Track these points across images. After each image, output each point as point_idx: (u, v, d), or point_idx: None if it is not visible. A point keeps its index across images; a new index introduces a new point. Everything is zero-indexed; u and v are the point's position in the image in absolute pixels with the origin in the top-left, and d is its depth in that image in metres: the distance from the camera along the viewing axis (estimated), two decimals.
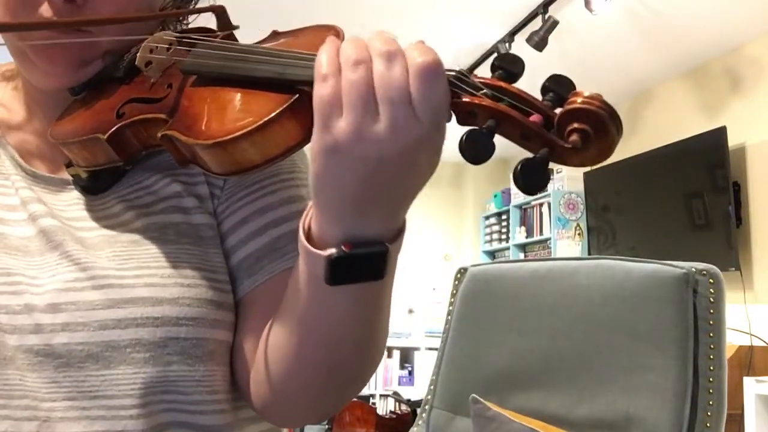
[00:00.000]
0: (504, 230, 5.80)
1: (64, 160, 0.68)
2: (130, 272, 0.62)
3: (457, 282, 1.61)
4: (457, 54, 4.12)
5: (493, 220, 5.97)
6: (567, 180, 5.07)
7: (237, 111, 0.56)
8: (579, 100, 0.47)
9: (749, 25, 3.61)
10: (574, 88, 0.48)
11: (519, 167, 0.47)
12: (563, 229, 5.02)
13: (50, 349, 0.60)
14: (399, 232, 0.52)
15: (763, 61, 3.70)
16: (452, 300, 1.61)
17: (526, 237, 5.46)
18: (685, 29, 3.67)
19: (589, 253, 4.79)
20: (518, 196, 5.58)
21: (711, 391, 1.20)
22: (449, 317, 1.59)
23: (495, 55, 0.54)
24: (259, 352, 0.65)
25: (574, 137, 0.47)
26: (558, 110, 0.48)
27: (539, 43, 3.39)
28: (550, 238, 5.09)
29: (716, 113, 3.93)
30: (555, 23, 3.36)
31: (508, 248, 5.67)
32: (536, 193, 0.48)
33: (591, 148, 0.47)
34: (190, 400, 0.63)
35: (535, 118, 0.48)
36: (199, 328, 0.63)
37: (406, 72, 0.46)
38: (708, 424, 1.18)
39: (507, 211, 5.72)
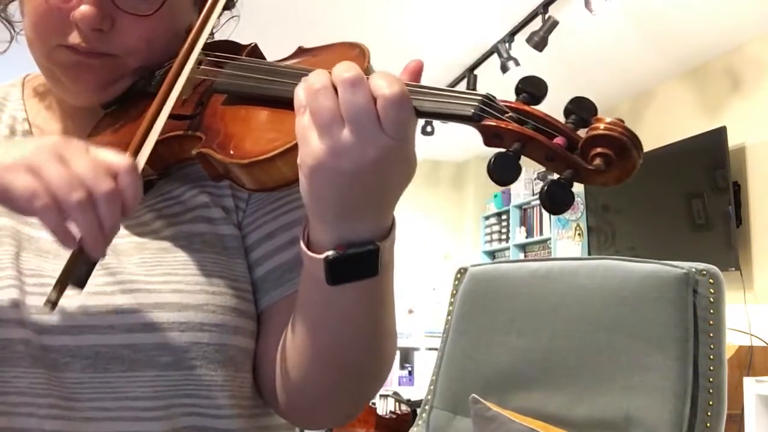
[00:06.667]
0: (504, 230, 5.80)
1: None
2: (157, 278, 0.65)
3: (457, 282, 1.61)
4: (457, 54, 4.12)
5: (493, 220, 5.97)
6: None
7: (269, 130, 0.60)
8: (602, 126, 0.49)
9: (749, 25, 3.61)
10: (596, 110, 0.51)
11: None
12: (563, 229, 5.02)
13: (78, 350, 0.61)
14: (389, 231, 0.57)
15: (763, 61, 3.70)
16: (452, 300, 1.61)
17: (526, 237, 5.46)
18: (685, 29, 3.67)
19: (589, 253, 4.79)
20: (518, 197, 5.58)
21: (711, 391, 1.19)
22: (449, 317, 1.59)
23: (520, 79, 0.56)
24: (279, 357, 0.67)
25: (597, 161, 0.49)
26: (580, 132, 0.50)
27: (539, 43, 3.39)
28: (550, 238, 5.09)
29: (716, 113, 3.93)
30: (555, 23, 3.36)
31: (508, 248, 5.67)
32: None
33: (614, 170, 0.50)
34: (211, 404, 0.65)
35: (559, 140, 0.51)
36: (221, 334, 0.65)
37: (369, 94, 0.51)
38: (708, 424, 1.18)
39: (507, 211, 5.72)
